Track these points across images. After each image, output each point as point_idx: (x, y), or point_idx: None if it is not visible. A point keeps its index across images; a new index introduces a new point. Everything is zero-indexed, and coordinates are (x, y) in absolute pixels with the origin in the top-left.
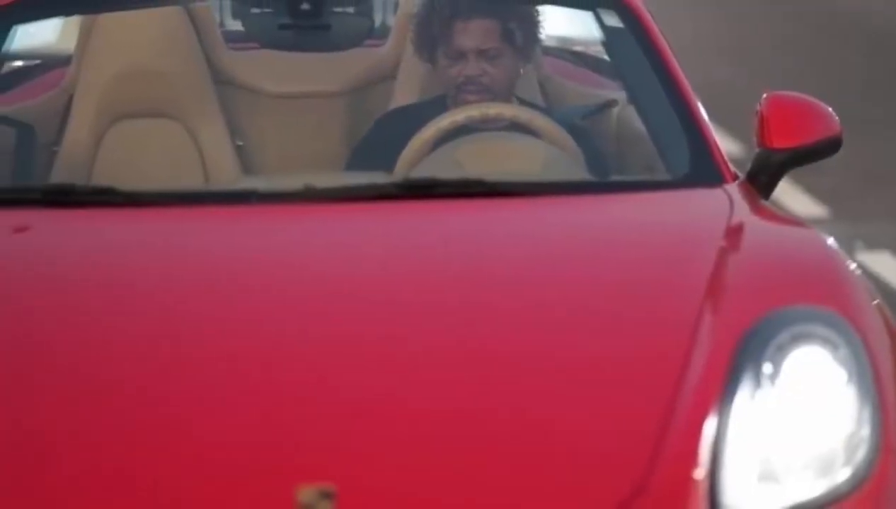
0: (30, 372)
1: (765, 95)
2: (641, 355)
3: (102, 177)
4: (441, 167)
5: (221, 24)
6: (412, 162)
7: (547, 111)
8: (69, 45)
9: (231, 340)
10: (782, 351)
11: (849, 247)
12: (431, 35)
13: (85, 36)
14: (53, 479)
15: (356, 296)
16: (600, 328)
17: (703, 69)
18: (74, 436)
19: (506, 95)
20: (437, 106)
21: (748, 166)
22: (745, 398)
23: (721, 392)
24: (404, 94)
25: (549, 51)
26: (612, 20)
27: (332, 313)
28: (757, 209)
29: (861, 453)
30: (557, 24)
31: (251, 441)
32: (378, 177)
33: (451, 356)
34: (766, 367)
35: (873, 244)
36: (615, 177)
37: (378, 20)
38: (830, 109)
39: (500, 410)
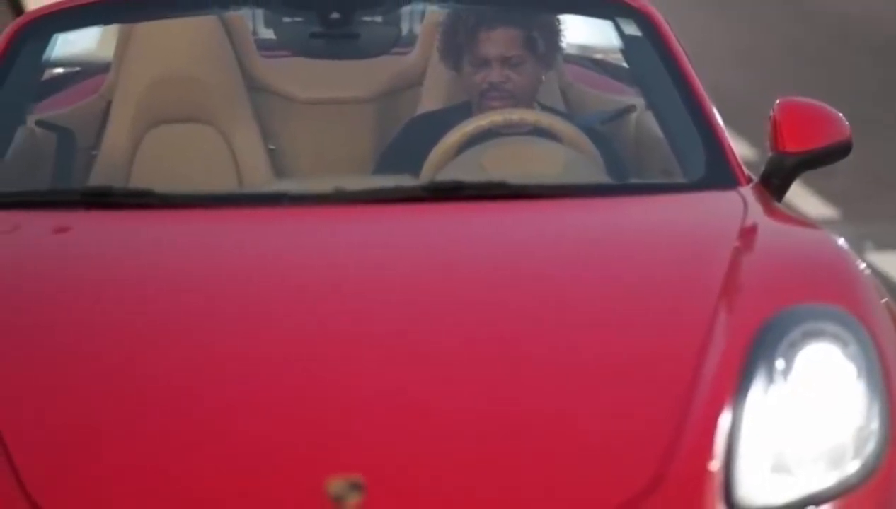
0: (69, 368)
1: (777, 101)
2: (658, 352)
3: (140, 180)
4: (466, 170)
5: (254, 33)
6: (438, 165)
7: (568, 116)
8: (108, 53)
9: (263, 337)
10: (794, 347)
11: (858, 248)
12: (457, 43)
13: (123, 44)
14: (93, 471)
15: (383, 294)
16: (619, 325)
17: (715, 74)
18: (113, 431)
19: (528, 101)
20: (462, 111)
21: (761, 169)
22: (758, 393)
23: (735, 387)
24: (430, 100)
25: (569, 58)
26: (631, 29)
27: (360, 311)
28: (770, 211)
29: (870, 446)
30: (578, 32)
31: (282, 434)
32: (405, 180)
33: (473, 353)
34: (779, 363)
35: (882, 244)
36: (633, 180)
37: (405, 29)
38: (841, 115)
39: (522, 404)
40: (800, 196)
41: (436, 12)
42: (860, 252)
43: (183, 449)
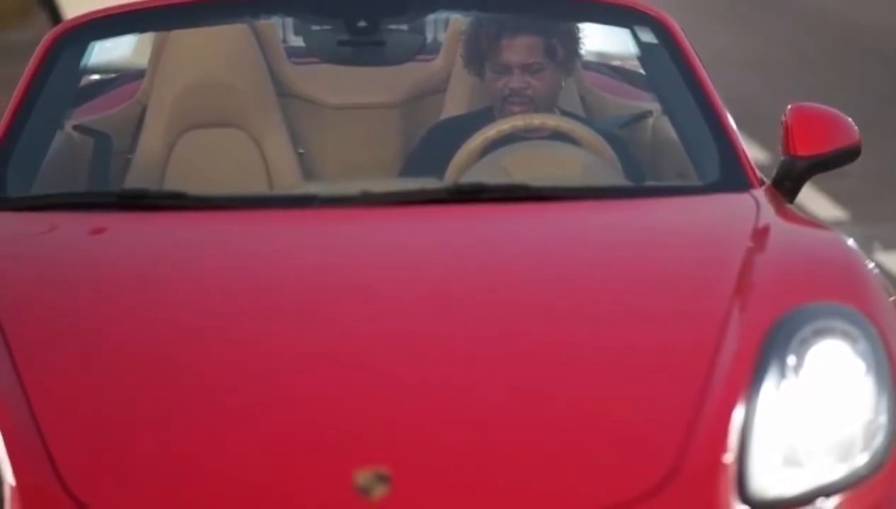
0: (105, 365)
1: (789, 106)
2: (674, 348)
3: (174, 183)
4: (488, 173)
5: (284, 41)
6: (461, 168)
7: (587, 121)
8: (143, 60)
9: (293, 333)
10: (805, 344)
11: (867, 248)
12: (479, 50)
13: (157, 51)
14: (130, 465)
15: (409, 293)
16: (637, 322)
17: (729, 81)
18: (148, 426)
19: (548, 106)
20: (484, 116)
21: (774, 172)
22: (770, 388)
23: (748, 382)
24: (454, 105)
25: (588, 65)
26: (648, 36)
27: (386, 309)
28: (782, 212)
29: (879, 439)
30: (596, 40)
31: (311, 427)
32: (430, 183)
33: (496, 348)
34: (791, 359)
35: (889, 244)
36: (650, 183)
37: (430, 37)
38: (850, 120)
39: (542, 398)
40: (810, 198)
41: (459, 21)
42: (868, 252)
43: (215, 442)
